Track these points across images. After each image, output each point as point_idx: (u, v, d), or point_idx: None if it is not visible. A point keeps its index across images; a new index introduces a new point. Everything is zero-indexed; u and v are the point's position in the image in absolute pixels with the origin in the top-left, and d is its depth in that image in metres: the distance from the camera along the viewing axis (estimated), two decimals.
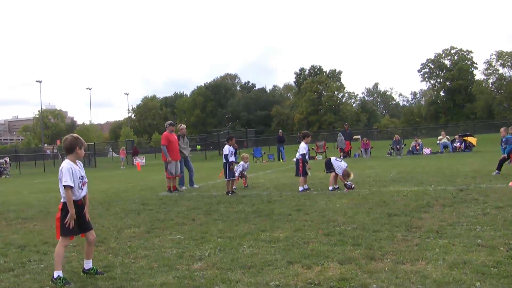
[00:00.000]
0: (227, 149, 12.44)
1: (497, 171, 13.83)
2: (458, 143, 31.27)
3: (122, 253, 6.04)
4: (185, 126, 15.66)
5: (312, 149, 34.02)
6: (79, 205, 5.08)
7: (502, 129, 15.32)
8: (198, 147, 51.35)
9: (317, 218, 7.76)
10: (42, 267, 5.47)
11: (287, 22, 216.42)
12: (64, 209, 4.98)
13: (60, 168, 5.08)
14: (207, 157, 45.17)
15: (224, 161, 12.37)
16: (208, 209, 9.60)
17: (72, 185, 4.97)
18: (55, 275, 4.82)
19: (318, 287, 4.33)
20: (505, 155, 14.52)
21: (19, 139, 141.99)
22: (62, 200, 5.04)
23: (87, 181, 5.27)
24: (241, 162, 13.89)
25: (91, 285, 4.74)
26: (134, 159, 40.44)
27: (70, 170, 5.01)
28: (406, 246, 5.58)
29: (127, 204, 11.14)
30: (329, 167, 12.03)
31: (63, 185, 4.96)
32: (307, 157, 12.06)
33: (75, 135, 5.28)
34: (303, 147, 12.05)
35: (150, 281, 4.73)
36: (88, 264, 5.13)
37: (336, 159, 12.23)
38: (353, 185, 11.68)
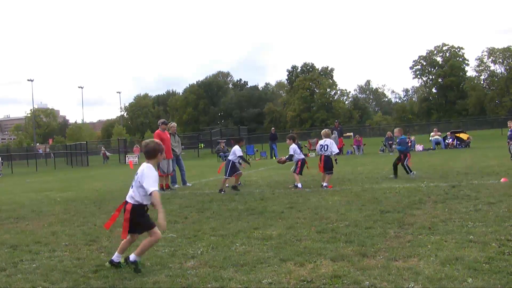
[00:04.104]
0: (239, 150, 12.43)
1: None
2: (450, 140, 31.42)
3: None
4: (175, 124, 15.59)
5: (305, 146, 34.09)
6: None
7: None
8: (201, 145, 51.15)
9: (309, 216, 7.78)
10: (34, 267, 5.44)
11: (279, 19, 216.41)
12: (134, 212, 5.09)
13: (144, 171, 5.07)
14: (200, 155, 45.11)
15: (234, 159, 12.34)
16: (201, 207, 9.58)
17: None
18: (134, 259, 5.08)
19: (310, 284, 4.34)
20: None
21: (11, 139, 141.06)
22: (132, 202, 5.13)
23: None
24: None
25: (83, 284, 4.72)
26: (126, 158, 40.24)
27: (157, 177, 5.11)
28: (398, 242, 5.60)
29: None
30: (330, 168, 11.93)
31: (154, 190, 4.94)
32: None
33: (157, 140, 5.39)
34: (297, 151, 12.27)
35: (143, 279, 4.72)
36: (118, 258, 5.25)
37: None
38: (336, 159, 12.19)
